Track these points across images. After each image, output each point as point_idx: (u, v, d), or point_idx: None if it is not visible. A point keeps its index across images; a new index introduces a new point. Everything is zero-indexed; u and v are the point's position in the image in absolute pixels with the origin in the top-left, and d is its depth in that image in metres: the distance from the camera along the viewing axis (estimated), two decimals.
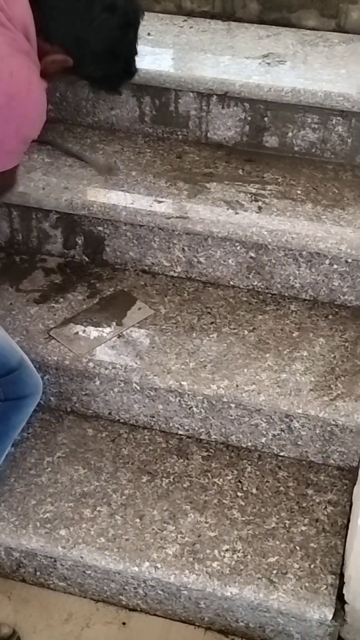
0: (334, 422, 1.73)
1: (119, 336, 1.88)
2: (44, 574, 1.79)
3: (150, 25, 2.30)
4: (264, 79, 2.04)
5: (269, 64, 2.11)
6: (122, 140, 2.13)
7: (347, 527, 1.70)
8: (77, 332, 1.89)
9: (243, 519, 1.72)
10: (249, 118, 2.08)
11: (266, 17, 2.31)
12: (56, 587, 1.81)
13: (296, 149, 2.09)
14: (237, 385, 1.76)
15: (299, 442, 1.82)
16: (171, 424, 1.90)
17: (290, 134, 2.07)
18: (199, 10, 2.36)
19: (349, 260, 1.87)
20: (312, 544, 1.68)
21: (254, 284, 2.00)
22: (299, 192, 1.98)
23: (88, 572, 1.74)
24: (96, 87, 1.71)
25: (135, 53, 1.65)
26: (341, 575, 1.62)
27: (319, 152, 2.08)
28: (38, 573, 1.80)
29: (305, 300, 1.98)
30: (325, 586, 1.61)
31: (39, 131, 1.61)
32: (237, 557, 1.66)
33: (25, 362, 1.71)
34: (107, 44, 1.57)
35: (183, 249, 2.00)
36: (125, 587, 1.74)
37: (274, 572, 1.63)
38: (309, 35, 2.26)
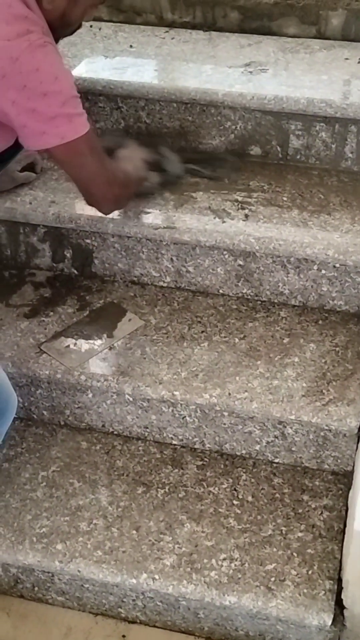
0: (327, 427, 1.74)
1: (110, 348, 1.88)
2: (41, 589, 1.79)
3: (132, 37, 2.31)
4: (247, 87, 2.05)
5: (251, 72, 2.12)
6: None
7: (343, 532, 1.70)
8: (68, 346, 1.89)
9: (239, 527, 1.72)
10: (233, 127, 2.09)
11: (247, 25, 2.32)
12: (54, 601, 1.80)
13: (281, 155, 2.10)
14: (229, 394, 1.76)
15: (293, 448, 1.82)
16: (165, 434, 1.90)
17: (274, 142, 2.08)
18: (180, 21, 2.37)
19: (337, 265, 1.88)
20: (309, 550, 1.68)
21: (243, 291, 2.00)
22: (285, 198, 1.98)
23: (86, 585, 1.74)
24: None
25: None
26: (339, 581, 1.62)
27: (304, 158, 2.09)
28: (36, 588, 1.79)
29: (294, 306, 1.99)
30: (323, 592, 1.61)
31: (73, 88, 1.56)
32: (235, 565, 1.66)
33: None
34: None
35: (171, 258, 2.00)
36: (124, 600, 1.74)
37: (272, 579, 1.63)
38: (290, 42, 2.27)
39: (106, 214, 1.85)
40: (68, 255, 2.08)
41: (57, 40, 1.66)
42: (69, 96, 1.56)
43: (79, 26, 1.71)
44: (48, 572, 1.74)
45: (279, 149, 2.09)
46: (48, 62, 1.53)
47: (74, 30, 1.72)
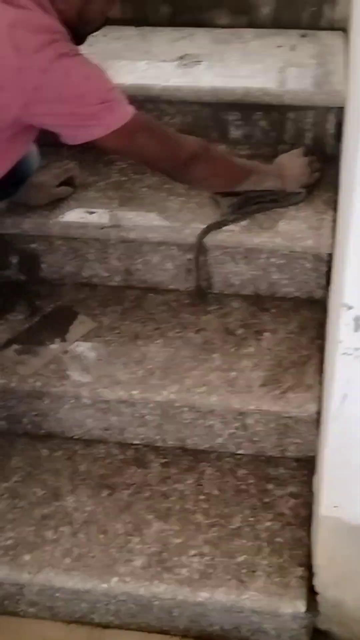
0: (287, 415, 1.74)
1: (65, 352, 1.85)
2: (12, 602, 1.75)
3: None
4: (183, 80, 2.03)
5: (186, 65, 2.11)
6: (46, 157, 2.10)
7: (310, 517, 1.70)
8: (20, 353, 1.85)
9: (207, 521, 1.71)
10: (172, 121, 2.07)
11: (178, 19, 2.30)
12: (26, 614, 1.77)
13: (222, 146, 2.09)
14: (187, 389, 1.75)
15: (255, 439, 1.82)
16: (126, 435, 1.88)
17: (214, 133, 2.07)
18: (112, 18, 2.34)
19: (285, 252, 1.88)
20: (278, 539, 1.68)
21: (194, 285, 1.99)
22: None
23: (57, 594, 1.71)
24: None
25: None
26: (310, 567, 1.63)
27: (245, 148, 2.08)
28: (6, 602, 1.76)
29: (246, 296, 1.98)
30: (295, 579, 1.61)
31: (107, 81, 1.60)
32: (205, 560, 1.65)
33: None
34: None
35: (119, 257, 1.98)
36: (97, 605, 1.72)
37: (243, 571, 1.62)
38: (222, 33, 2.27)
39: (189, 184, 1.87)
40: (14, 261, 2.04)
41: (82, 41, 1.67)
42: (104, 90, 1.58)
43: (105, 21, 1.71)
44: (17, 585, 1.70)
45: (219, 140, 2.08)
46: (76, 65, 1.54)
47: (98, 28, 1.72)
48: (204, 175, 1.79)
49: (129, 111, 1.61)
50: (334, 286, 1.65)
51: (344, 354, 1.25)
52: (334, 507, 1.48)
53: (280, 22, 2.26)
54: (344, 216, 1.30)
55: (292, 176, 1.88)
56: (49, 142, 2.02)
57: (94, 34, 2.26)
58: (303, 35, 2.22)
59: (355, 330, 1.21)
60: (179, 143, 1.73)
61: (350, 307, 1.20)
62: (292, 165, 1.90)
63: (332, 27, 2.23)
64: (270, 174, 1.86)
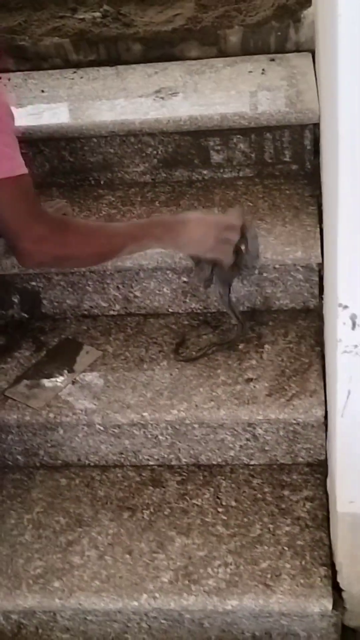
0: (295, 421, 1.79)
1: (73, 382, 1.91)
2: (46, 630, 1.79)
3: (42, 83, 2.37)
4: (161, 112, 2.12)
5: (162, 98, 2.19)
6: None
7: (328, 518, 1.75)
8: (31, 388, 1.91)
9: (228, 532, 1.76)
10: (155, 152, 2.15)
11: (150, 55, 2.40)
12: None
13: (205, 172, 2.17)
14: (196, 406, 1.80)
15: (266, 448, 1.87)
16: (141, 457, 1.93)
17: (196, 160, 2.15)
18: (86, 60, 2.44)
19: (277, 266, 1.95)
20: (298, 542, 1.72)
21: (192, 306, 2.06)
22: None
23: (89, 618, 1.75)
24: None
25: None
26: (332, 565, 1.67)
27: (227, 171, 2.16)
28: (40, 630, 1.79)
29: (243, 312, 2.03)
30: (319, 579, 1.65)
31: None
32: (230, 569, 1.69)
33: None
34: None
35: (117, 286, 2.04)
36: (129, 624, 1.75)
37: (268, 576, 1.67)
38: (194, 65, 2.36)
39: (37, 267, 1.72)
40: (16, 300, 2.11)
41: None
42: None
43: None
44: (49, 612, 1.74)
45: (201, 166, 2.16)
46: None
47: None
48: (50, 260, 1.55)
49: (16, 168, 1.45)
50: (327, 290, 1.72)
51: (344, 352, 1.31)
52: (350, 502, 1.53)
53: (248, 49, 2.35)
54: (331, 224, 1.37)
55: (194, 233, 1.63)
56: (37, 183, 2.11)
57: (72, 77, 2.36)
58: (272, 60, 2.31)
59: (353, 328, 1.28)
60: (35, 220, 1.51)
61: (345, 307, 1.26)
62: (198, 223, 1.64)
63: (298, 49, 2.33)
64: (159, 238, 1.61)
